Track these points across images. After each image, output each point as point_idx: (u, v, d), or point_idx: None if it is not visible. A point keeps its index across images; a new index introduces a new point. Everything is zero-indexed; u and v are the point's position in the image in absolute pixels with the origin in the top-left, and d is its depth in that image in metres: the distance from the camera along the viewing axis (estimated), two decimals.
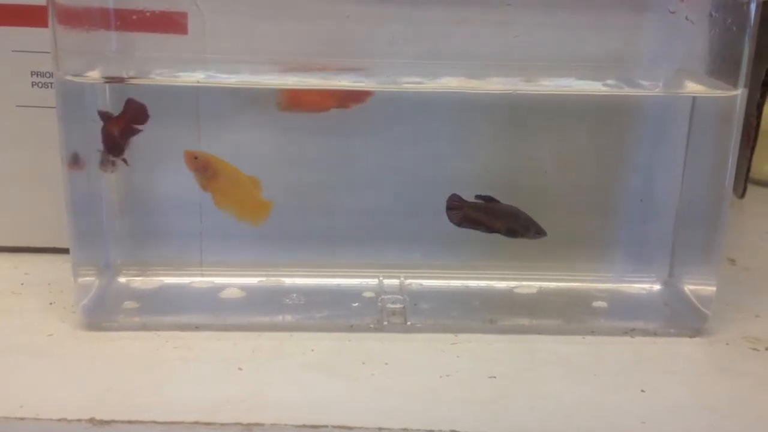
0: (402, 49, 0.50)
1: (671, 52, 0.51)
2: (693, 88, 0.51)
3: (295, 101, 0.51)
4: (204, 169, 0.49)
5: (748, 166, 0.74)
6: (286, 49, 0.51)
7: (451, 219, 0.52)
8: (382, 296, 0.52)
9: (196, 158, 0.49)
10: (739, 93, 0.47)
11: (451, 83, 0.50)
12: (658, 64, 0.52)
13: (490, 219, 0.52)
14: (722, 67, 0.48)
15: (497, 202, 0.52)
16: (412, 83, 0.50)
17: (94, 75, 0.47)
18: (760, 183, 0.79)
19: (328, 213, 0.54)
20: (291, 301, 0.52)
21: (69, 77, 0.45)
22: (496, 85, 0.50)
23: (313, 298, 0.52)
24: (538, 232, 0.52)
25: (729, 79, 0.47)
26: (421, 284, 0.54)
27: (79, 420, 0.40)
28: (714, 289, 0.51)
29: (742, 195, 0.74)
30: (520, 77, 0.51)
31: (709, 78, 0.49)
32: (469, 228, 0.52)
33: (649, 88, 0.53)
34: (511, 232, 0.52)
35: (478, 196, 0.51)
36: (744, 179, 0.74)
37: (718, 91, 0.48)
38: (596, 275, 0.55)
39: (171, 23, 0.50)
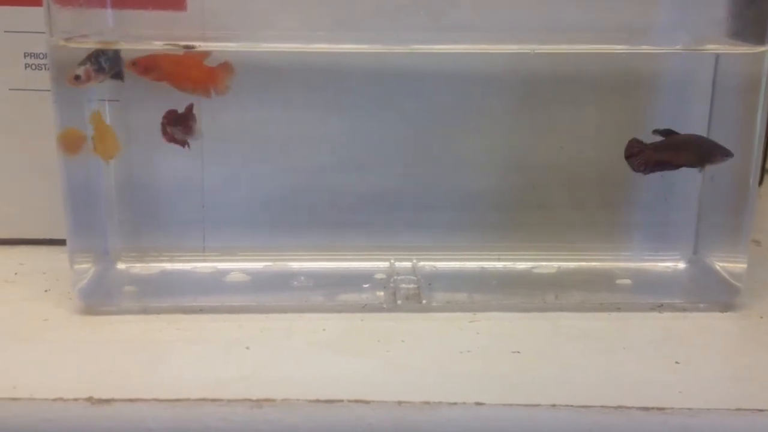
0: (410, 21, 0.48)
1: (688, 20, 0.49)
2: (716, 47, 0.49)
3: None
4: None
5: (765, 154, 0.72)
6: (287, 26, 0.48)
7: (633, 167, 0.48)
8: (395, 277, 0.49)
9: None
10: (767, 49, 0.45)
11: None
12: (676, 34, 0.49)
13: (673, 155, 0.48)
14: (745, 28, 0.46)
15: (676, 133, 0.48)
16: (423, 47, 0.48)
17: (87, 41, 0.45)
18: None
19: (335, 195, 0.51)
20: (299, 283, 0.49)
21: (62, 42, 0.43)
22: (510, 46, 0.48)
23: (322, 281, 0.49)
24: (725, 154, 0.48)
25: (753, 38, 0.45)
26: (434, 266, 0.51)
27: (76, 399, 0.37)
28: (745, 263, 0.48)
29: (760, 183, 0.72)
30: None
31: (730, 40, 0.47)
32: (655, 171, 0.48)
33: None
34: (699, 163, 0.48)
35: (655, 131, 0.48)
36: (761, 167, 0.72)
37: (743, 48, 0.46)
38: (617, 254, 0.52)
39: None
